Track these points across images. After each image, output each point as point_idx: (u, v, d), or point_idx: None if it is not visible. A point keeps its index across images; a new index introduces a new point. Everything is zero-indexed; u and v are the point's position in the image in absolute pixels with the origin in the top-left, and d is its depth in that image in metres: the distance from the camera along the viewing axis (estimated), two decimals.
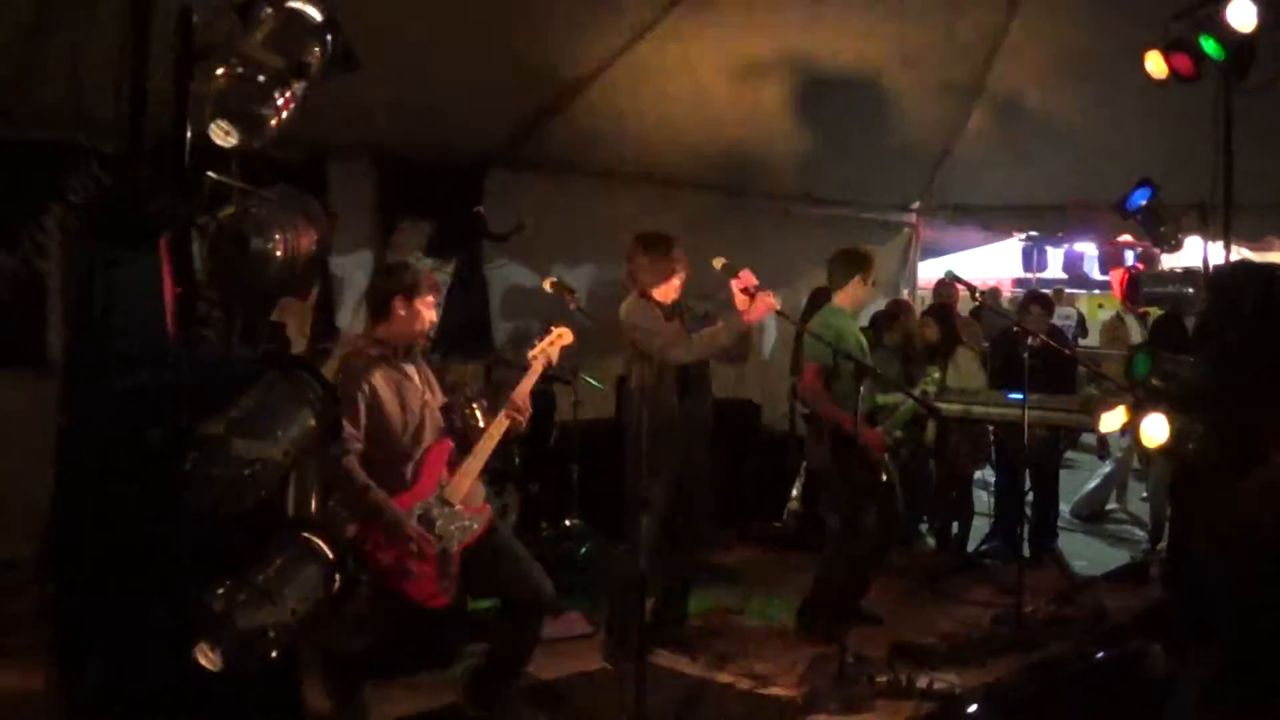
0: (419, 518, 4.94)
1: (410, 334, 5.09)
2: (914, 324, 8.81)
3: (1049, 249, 15.52)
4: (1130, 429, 6.55)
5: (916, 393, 7.37)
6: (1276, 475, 4.78)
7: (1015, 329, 8.38)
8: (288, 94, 3.35)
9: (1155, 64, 6.02)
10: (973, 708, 5.43)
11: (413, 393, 5.06)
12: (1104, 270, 14.00)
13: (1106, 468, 11.12)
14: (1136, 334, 9.74)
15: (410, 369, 5.12)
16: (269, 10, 3.38)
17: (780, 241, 9.73)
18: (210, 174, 3.46)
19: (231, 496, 3.29)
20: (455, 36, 6.72)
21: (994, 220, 11.46)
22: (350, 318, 7.47)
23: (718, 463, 6.62)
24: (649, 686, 4.96)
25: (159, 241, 3.49)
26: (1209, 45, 5.79)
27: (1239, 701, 4.56)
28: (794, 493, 9.05)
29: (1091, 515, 10.72)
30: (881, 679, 5.83)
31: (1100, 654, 5.99)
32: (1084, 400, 8.12)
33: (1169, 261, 7.48)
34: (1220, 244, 6.29)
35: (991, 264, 19.63)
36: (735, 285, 5.72)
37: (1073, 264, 15.88)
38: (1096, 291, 20.57)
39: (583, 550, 7.46)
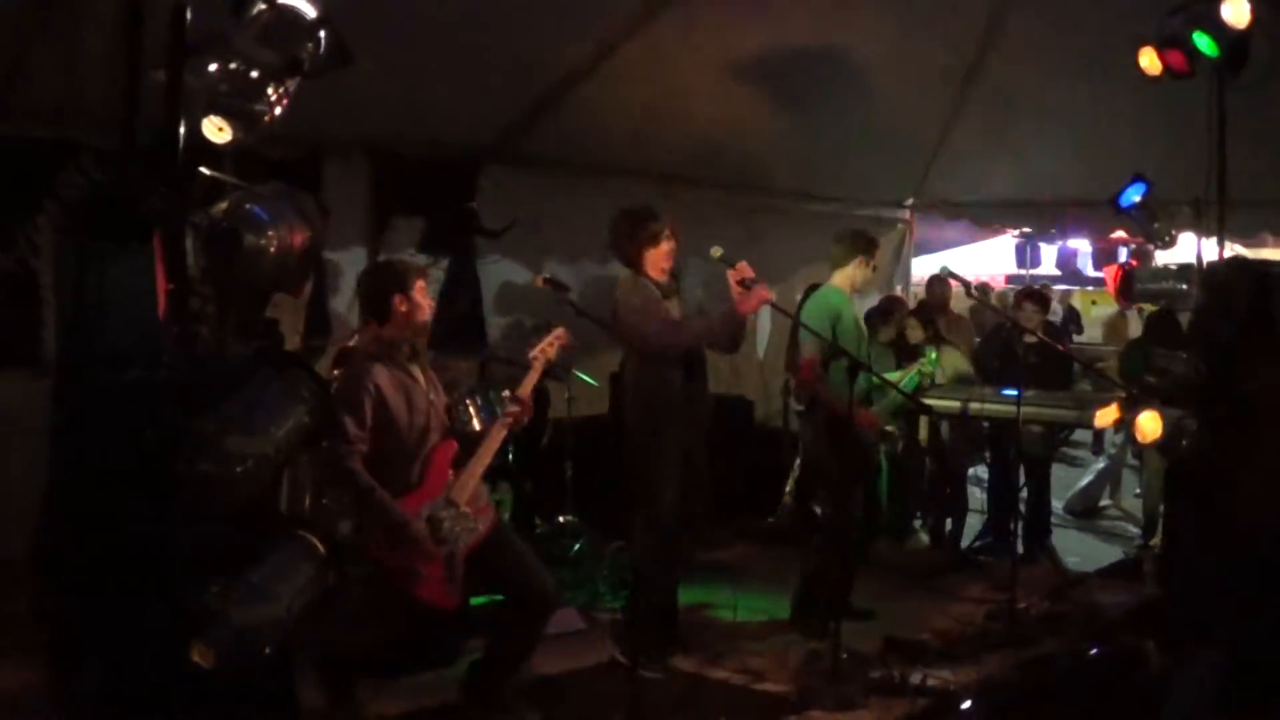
0: (427, 519, 4.94)
1: (414, 326, 5.09)
2: (907, 322, 8.85)
3: (1042, 245, 15.55)
4: (1124, 425, 6.57)
5: (913, 371, 7.49)
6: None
7: (1010, 325, 8.40)
8: (281, 90, 3.35)
9: (1149, 60, 6.02)
10: (966, 704, 5.45)
11: (418, 393, 5.06)
12: (1097, 266, 14.04)
13: (1100, 464, 11.14)
14: (1139, 330, 9.75)
15: (415, 370, 5.12)
16: (262, 6, 3.38)
17: (774, 238, 9.72)
18: (203, 170, 3.46)
19: (224, 493, 3.28)
20: (449, 32, 6.71)
21: (987, 217, 11.47)
22: (344, 314, 7.46)
23: (712, 458, 6.62)
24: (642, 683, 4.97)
25: (152, 238, 3.48)
26: (1203, 41, 5.80)
27: (1239, 701, 4.57)
28: (788, 488, 9.06)
29: (1085, 511, 10.75)
30: (875, 675, 5.83)
31: (1094, 650, 6.01)
32: (1078, 396, 8.14)
33: (1163, 258, 7.49)
34: (1214, 240, 6.29)
35: (985, 260, 19.66)
36: (731, 276, 5.78)
37: (1066, 260, 15.92)
38: (1090, 288, 20.61)
39: (576, 547, 7.46)
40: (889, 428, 7.47)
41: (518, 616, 5.22)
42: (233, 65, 3.31)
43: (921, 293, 10.94)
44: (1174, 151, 6.24)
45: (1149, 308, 8.21)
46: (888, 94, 8.82)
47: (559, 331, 5.56)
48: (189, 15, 3.39)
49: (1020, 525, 7.97)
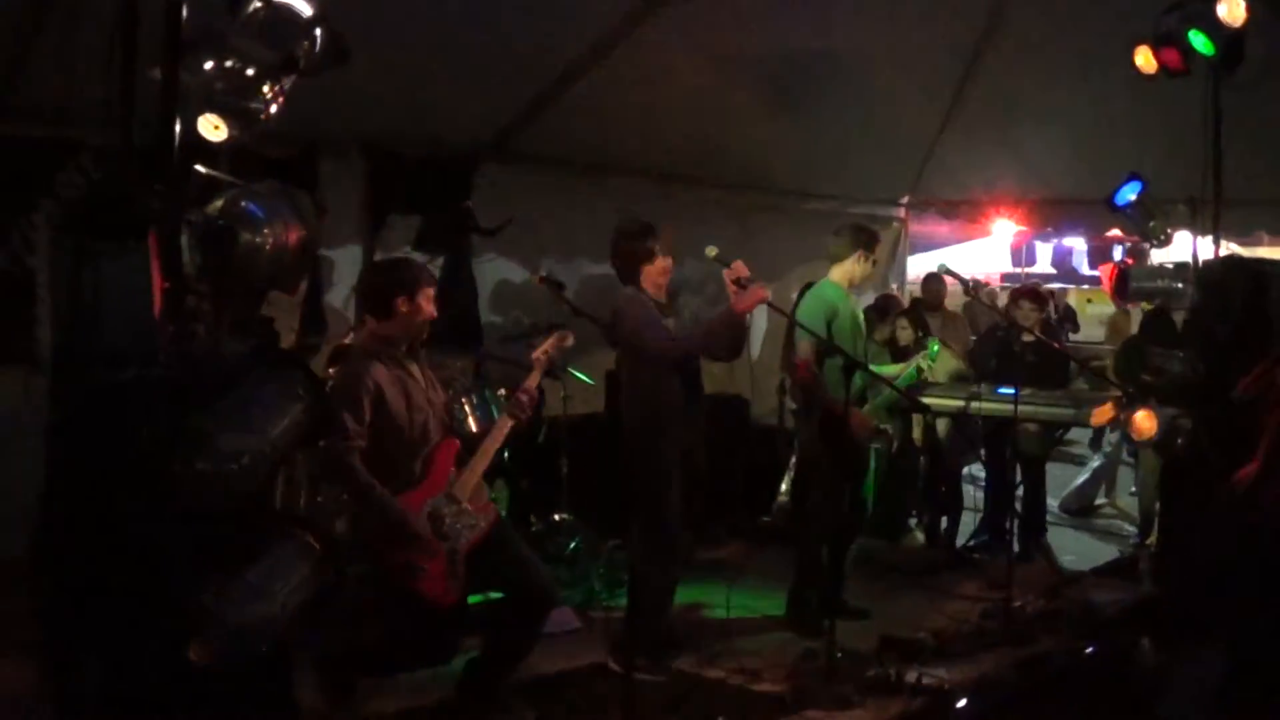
0: (428, 515, 4.94)
1: (413, 330, 5.07)
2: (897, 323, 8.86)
3: (1038, 244, 15.56)
4: (1120, 423, 6.57)
5: (913, 364, 7.50)
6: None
7: (1008, 324, 8.40)
8: (277, 88, 3.35)
9: (1145, 58, 6.03)
10: (962, 702, 5.45)
11: (417, 390, 5.04)
12: (1093, 265, 14.03)
13: (1096, 462, 11.15)
14: None
15: (414, 367, 5.11)
16: (258, 4, 3.37)
17: (770, 236, 9.72)
18: (199, 168, 3.46)
19: (220, 491, 3.28)
20: (446, 30, 6.70)
21: (983, 215, 11.46)
22: (339, 312, 7.46)
23: (707, 458, 6.62)
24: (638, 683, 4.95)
25: (148, 236, 3.48)
26: (1198, 40, 5.81)
27: (1238, 701, 4.58)
28: (783, 487, 9.04)
29: (1080, 510, 10.75)
30: (871, 674, 5.83)
31: (1089, 648, 6.02)
32: (1075, 395, 8.14)
33: (1158, 256, 7.49)
34: (1210, 239, 6.30)
35: (981, 259, 19.66)
36: (727, 275, 5.78)
37: (1062, 259, 15.94)
38: (1085, 286, 20.63)
39: (572, 545, 7.45)
40: (884, 426, 7.45)
41: (517, 615, 5.21)
42: (229, 63, 3.31)
43: (917, 290, 10.95)
44: (1170, 150, 6.25)
45: (1148, 306, 8.22)
46: (883, 92, 8.83)
47: (563, 334, 5.57)
48: (185, 13, 3.39)
49: (1016, 524, 7.96)
